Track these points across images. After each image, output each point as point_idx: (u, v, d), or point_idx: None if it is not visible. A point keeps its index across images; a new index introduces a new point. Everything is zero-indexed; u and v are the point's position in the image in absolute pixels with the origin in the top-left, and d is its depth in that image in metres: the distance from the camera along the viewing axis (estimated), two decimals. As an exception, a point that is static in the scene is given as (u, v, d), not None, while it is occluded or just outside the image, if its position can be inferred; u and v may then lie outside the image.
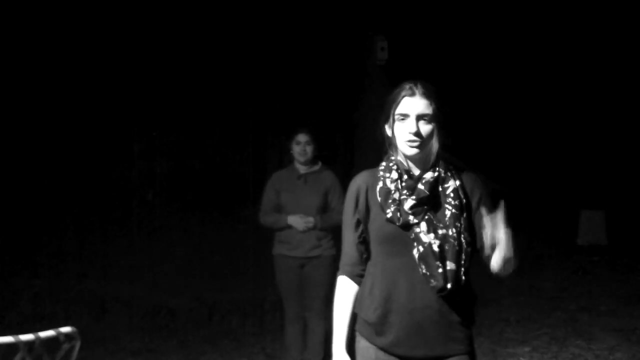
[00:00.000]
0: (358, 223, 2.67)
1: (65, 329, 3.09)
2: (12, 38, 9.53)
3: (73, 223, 9.27)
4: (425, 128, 2.56)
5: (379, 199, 2.60)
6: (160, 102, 10.45)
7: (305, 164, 5.26)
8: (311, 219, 5.12)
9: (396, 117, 2.58)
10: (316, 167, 5.31)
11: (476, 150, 12.30)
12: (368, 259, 2.68)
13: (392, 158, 2.64)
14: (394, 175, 2.61)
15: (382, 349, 2.59)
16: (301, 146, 5.23)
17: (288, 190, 5.26)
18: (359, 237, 2.68)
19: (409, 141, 2.55)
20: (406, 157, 2.61)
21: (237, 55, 10.57)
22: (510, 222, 2.43)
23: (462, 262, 2.52)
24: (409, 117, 2.56)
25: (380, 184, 2.62)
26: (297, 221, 5.14)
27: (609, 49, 12.59)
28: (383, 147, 2.69)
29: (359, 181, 2.70)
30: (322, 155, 5.40)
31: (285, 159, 5.70)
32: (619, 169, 12.38)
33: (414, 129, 2.54)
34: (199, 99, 10.69)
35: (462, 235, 2.53)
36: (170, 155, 10.70)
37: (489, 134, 12.81)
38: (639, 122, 12.54)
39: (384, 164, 2.67)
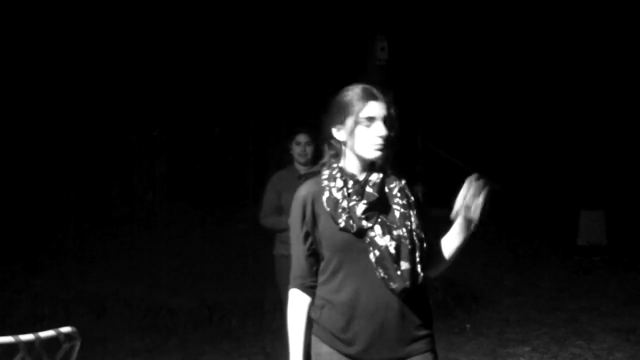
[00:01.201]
0: (307, 235, 2.64)
1: (65, 329, 3.09)
2: (12, 38, 9.53)
3: (73, 223, 9.27)
4: (388, 131, 2.58)
5: (327, 209, 2.58)
6: (161, 102, 10.45)
7: (305, 164, 5.26)
8: None
9: (361, 121, 2.55)
10: (317, 167, 5.29)
11: (476, 149, 12.30)
12: (317, 270, 2.65)
13: (335, 165, 2.63)
14: (339, 183, 2.59)
15: (347, 355, 2.57)
16: (301, 147, 5.22)
17: (289, 190, 5.21)
18: (308, 249, 2.65)
19: (376, 144, 2.54)
20: (362, 160, 2.59)
21: (237, 56, 10.57)
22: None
23: (417, 260, 2.51)
24: (376, 121, 2.55)
25: (327, 194, 2.59)
26: None
27: (609, 49, 12.58)
28: (322, 152, 2.67)
29: (303, 192, 2.67)
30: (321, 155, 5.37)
31: (284, 159, 5.67)
32: (619, 169, 12.38)
33: (384, 132, 2.54)
34: (199, 99, 10.69)
35: (414, 234, 2.52)
36: (170, 155, 10.70)
37: (489, 133, 12.82)
38: (639, 122, 12.54)
39: (326, 172, 2.65)
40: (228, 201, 10.25)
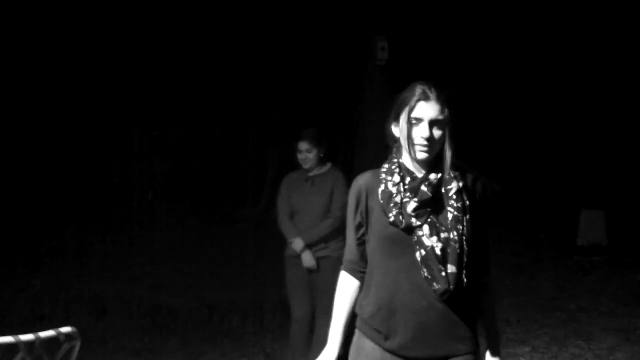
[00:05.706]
0: (359, 225, 2.69)
1: (65, 329, 3.09)
2: (12, 38, 9.53)
3: (73, 223, 9.28)
4: (437, 133, 2.57)
5: (380, 201, 2.60)
6: (161, 103, 10.46)
7: (310, 169, 5.29)
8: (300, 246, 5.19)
9: (410, 120, 2.57)
10: (324, 169, 5.33)
11: (476, 150, 12.30)
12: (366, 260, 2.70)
13: (395, 160, 2.64)
14: (396, 178, 2.60)
15: (389, 350, 2.60)
16: (302, 154, 5.26)
17: (297, 192, 5.31)
18: (359, 238, 2.71)
19: (420, 145, 2.56)
20: (414, 159, 2.60)
21: (237, 56, 10.57)
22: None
23: (464, 264, 2.52)
24: (423, 122, 2.56)
25: (382, 186, 2.61)
26: (296, 244, 5.19)
27: (609, 49, 12.58)
28: (387, 145, 2.68)
29: (360, 182, 2.70)
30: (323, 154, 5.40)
31: (284, 159, 5.70)
32: (619, 169, 12.38)
33: (427, 134, 2.54)
34: (200, 100, 10.70)
35: (464, 238, 2.53)
36: (170, 155, 10.71)
37: (489, 133, 12.82)
38: (639, 122, 12.54)
39: (386, 166, 2.66)
40: (228, 201, 10.26)
